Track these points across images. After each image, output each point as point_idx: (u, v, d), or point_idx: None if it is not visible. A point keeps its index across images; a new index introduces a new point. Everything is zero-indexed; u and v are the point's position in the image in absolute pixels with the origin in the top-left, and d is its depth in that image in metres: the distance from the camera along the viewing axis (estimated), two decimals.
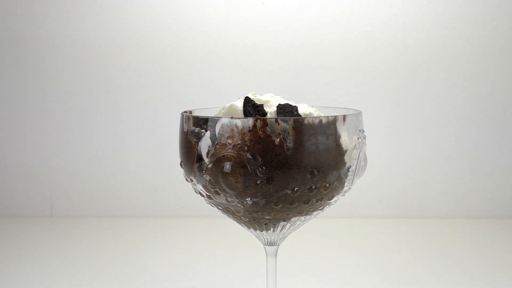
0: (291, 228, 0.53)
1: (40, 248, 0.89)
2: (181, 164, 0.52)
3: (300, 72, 1.02)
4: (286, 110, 0.48)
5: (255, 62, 1.03)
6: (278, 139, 0.45)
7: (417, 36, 1.01)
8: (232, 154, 0.46)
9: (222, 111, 0.51)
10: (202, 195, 0.52)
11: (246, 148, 0.45)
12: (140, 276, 0.77)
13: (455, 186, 1.05)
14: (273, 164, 0.46)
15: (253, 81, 1.03)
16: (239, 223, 0.53)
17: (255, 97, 0.50)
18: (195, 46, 1.03)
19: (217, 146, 0.47)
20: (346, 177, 0.50)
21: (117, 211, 1.07)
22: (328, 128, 0.47)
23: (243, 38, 1.02)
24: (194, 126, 0.49)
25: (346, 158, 0.49)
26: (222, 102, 0.56)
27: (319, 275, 0.77)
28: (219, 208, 0.52)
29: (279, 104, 0.48)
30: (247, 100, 0.49)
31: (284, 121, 0.45)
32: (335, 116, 0.48)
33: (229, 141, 0.46)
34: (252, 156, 0.45)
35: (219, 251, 0.88)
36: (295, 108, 0.48)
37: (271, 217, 0.50)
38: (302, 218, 0.52)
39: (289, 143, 0.46)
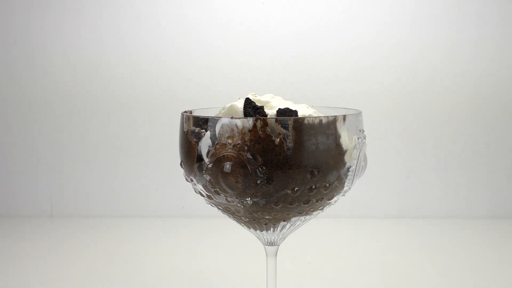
0: (291, 228, 0.53)
1: (40, 248, 0.89)
2: (181, 164, 0.52)
3: (300, 72, 1.02)
4: (286, 116, 0.48)
5: (255, 62, 1.03)
6: (278, 139, 0.45)
7: (417, 36, 1.01)
8: (232, 154, 0.46)
9: (222, 111, 0.51)
10: (202, 195, 0.52)
11: (246, 148, 0.46)
12: (140, 276, 0.77)
13: (455, 186, 1.05)
14: (273, 164, 0.46)
15: (253, 81, 1.03)
16: (239, 223, 0.54)
17: (255, 98, 0.50)
18: (195, 46, 1.03)
19: (217, 146, 0.47)
20: (346, 177, 0.50)
21: (117, 211, 1.07)
22: (328, 128, 0.47)
23: (243, 38, 1.02)
24: (194, 126, 0.49)
25: (346, 158, 0.49)
26: (222, 102, 0.56)
27: (319, 275, 0.77)
28: (219, 208, 0.52)
29: (279, 109, 0.48)
30: (248, 102, 0.49)
31: (284, 126, 0.45)
32: (335, 116, 0.48)
33: (229, 141, 0.46)
34: (252, 156, 0.45)
35: (219, 251, 0.88)
36: (295, 112, 0.48)
37: (271, 217, 0.50)
38: (302, 218, 0.52)
39: (289, 143, 0.46)
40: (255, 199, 0.47)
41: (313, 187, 0.48)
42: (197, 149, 0.49)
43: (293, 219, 0.51)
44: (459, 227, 0.99)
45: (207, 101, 0.98)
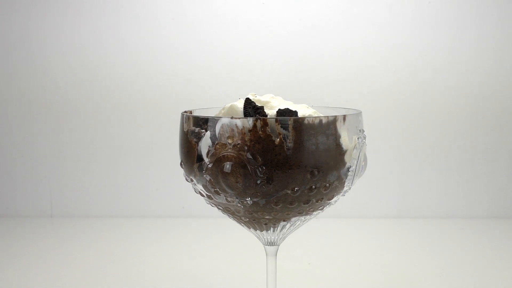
0: (291, 228, 0.53)
1: (40, 248, 0.89)
2: (181, 164, 0.52)
3: (300, 72, 1.03)
4: (286, 116, 0.48)
5: (255, 62, 1.03)
6: (278, 139, 0.45)
7: (417, 36, 1.01)
8: (232, 154, 0.46)
9: (222, 111, 0.51)
10: (202, 195, 0.52)
11: (246, 148, 0.45)
12: (140, 276, 0.77)
13: (455, 186, 1.05)
14: (273, 164, 0.46)
15: (253, 81, 1.03)
16: (239, 223, 0.54)
17: (255, 98, 0.50)
18: (195, 46, 1.03)
19: (217, 146, 0.47)
20: (346, 177, 0.50)
21: (117, 211, 1.07)
22: (328, 128, 0.47)
23: (243, 38, 1.02)
24: (194, 126, 0.49)
25: (346, 158, 0.49)
26: (222, 102, 0.56)
27: (319, 275, 0.78)
28: (219, 208, 0.52)
29: (279, 110, 0.48)
30: (248, 102, 0.49)
31: (284, 126, 0.45)
32: (335, 116, 0.48)
33: (229, 141, 0.46)
34: (252, 156, 0.45)
35: (219, 251, 0.88)
36: (295, 113, 0.48)
37: (271, 217, 0.50)
38: (302, 218, 0.52)
39: (289, 143, 0.46)
40: (255, 199, 0.47)
41: (313, 187, 0.48)
42: (197, 149, 0.49)
43: (293, 219, 0.51)
44: (459, 227, 0.99)
45: (207, 101, 0.98)
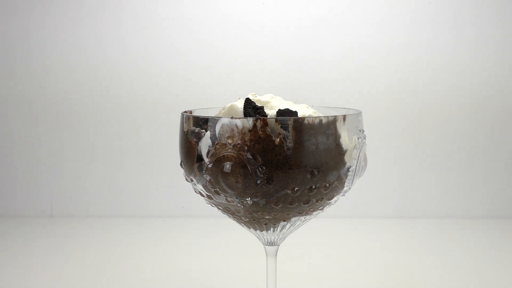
0: (291, 228, 0.53)
1: (40, 248, 0.89)
2: (181, 164, 0.52)
3: (300, 72, 1.02)
4: (286, 116, 0.48)
5: (255, 62, 1.03)
6: (278, 139, 0.45)
7: (417, 36, 1.01)
8: (232, 154, 0.46)
9: (222, 111, 0.51)
10: (202, 195, 0.52)
11: (246, 148, 0.46)
12: (140, 276, 0.77)
13: (455, 186, 1.05)
14: (273, 164, 0.46)
15: (253, 81, 1.03)
16: (239, 223, 0.54)
17: (255, 98, 0.50)
18: (195, 46, 1.03)
19: (217, 146, 0.47)
20: (346, 177, 0.50)
21: (117, 211, 1.07)
22: (328, 128, 0.47)
23: (243, 38, 1.02)
24: (194, 126, 0.49)
25: (346, 158, 0.49)
26: (222, 102, 0.56)
27: (319, 275, 0.78)
28: (219, 208, 0.52)
29: (279, 110, 0.48)
30: (248, 102, 0.49)
31: (284, 126, 0.45)
32: (335, 116, 0.48)
33: (229, 141, 0.46)
34: (252, 156, 0.45)
35: (219, 251, 0.88)
36: (295, 113, 0.48)
37: (271, 217, 0.50)
38: (302, 218, 0.52)
39: (289, 143, 0.46)
40: (255, 199, 0.47)
41: (313, 187, 0.48)
42: (197, 149, 0.49)
43: (293, 219, 0.51)
44: (459, 227, 0.99)
45: (207, 101, 0.98)
